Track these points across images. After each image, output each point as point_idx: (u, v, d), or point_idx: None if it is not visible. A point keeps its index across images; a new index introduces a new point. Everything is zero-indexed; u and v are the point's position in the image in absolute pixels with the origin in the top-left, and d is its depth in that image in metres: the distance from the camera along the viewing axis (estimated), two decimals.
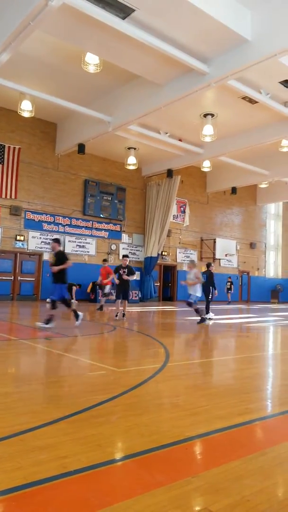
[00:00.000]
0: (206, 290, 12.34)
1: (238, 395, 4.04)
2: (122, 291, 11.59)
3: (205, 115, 14.69)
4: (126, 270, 11.58)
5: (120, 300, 11.62)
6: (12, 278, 17.73)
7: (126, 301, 11.66)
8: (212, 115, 14.65)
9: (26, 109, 14.45)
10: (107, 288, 14.67)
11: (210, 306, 12.52)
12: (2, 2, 9.90)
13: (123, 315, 11.45)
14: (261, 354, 7.05)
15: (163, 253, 22.40)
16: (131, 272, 11.61)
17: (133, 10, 9.21)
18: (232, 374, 5.26)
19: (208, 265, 12.95)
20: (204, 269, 12.87)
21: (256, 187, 26.61)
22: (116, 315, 11.45)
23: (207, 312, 12.25)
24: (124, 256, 12.10)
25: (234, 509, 1.96)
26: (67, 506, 1.92)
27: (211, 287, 12.30)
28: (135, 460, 2.46)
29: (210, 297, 12.34)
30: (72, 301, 17.59)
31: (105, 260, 15.16)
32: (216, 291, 12.40)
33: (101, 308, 14.38)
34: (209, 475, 2.29)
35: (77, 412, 3.24)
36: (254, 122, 15.65)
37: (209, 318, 12.10)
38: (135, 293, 20.38)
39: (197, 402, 3.69)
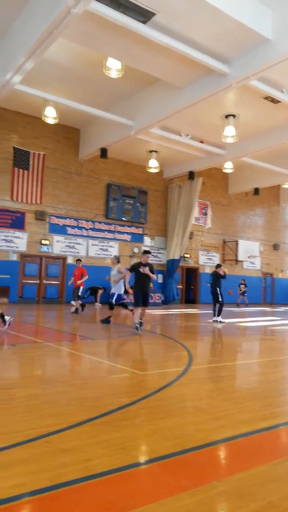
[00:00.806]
0: (213, 292, 12.29)
1: (263, 399, 3.99)
2: (142, 295, 8.95)
3: (227, 116, 14.58)
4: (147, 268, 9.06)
5: (140, 308, 9.00)
6: (38, 281, 18.02)
7: (146, 308, 9.13)
8: (234, 116, 14.53)
9: (50, 115, 14.71)
10: (81, 290, 13.68)
11: (223, 309, 12.44)
12: (26, 12, 10.13)
13: (141, 324, 8.85)
14: (286, 357, 6.93)
15: (185, 255, 22.31)
16: (152, 272, 9.11)
17: (154, 14, 9.26)
18: (257, 378, 5.19)
19: (217, 266, 12.77)
20: (227, 271, 12.79)
21: (280, 188, 26.18)
22: (138, 327, 8.68)
23: (218, 315, 12.17)
24: (145, 252, 9.15)
25: None
26: (92, 508, 1.95)
27: (217, 289, 12.16)
28: (159, 463, 2.46)
29: (220, 300, 12.17)
30: (96, 304, 17.78)
31: (79, 260, 14.34)
32: (220, 295, 12.21)
33: (76, 311, 13.16)
34: (234, 479, 2.27)
35: (101, 414, 3.27)
36: (276, 121, 15.43)
37: (220, 321, 11.98)
38: (158, 296, 20.38)
39: (221, 406, 3.67)
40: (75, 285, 13.59)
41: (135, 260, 20.71)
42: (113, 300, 10.39)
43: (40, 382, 4.55)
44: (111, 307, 10.34)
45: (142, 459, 2.61)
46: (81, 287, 13.65)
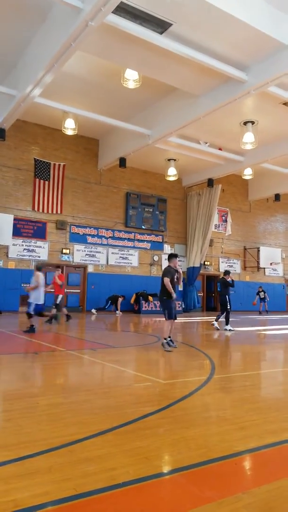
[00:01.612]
0: (222, 300, 11.99)
1: None
2: (175, 306, 8.14)
3: (245, 123, 14.52)
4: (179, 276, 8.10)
5: (171, 320, 7.88)
6: None
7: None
8: (253, 122, 14.46)
9: (69, 127, 14.96)
10: (60, 298, 12.88)
11: (230, 317, 12.12)
12: (45, 26, 10.38)
13: (171, 341, 7.80)
14: None
15: (206, 262, 22.17)
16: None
17: (170, 25, 9.35)
18: (282, 387, 5.08)
19: (225, 273, 12.37)
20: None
21: None
22: (169, 343, 7.66)
23: (227, 324, 11.85)
24: (172, 256, 7.90)
25: None
26: None
27: (226, 297, 11.83)
28: (183, 474, 2.43)
29: (228, 308, 11.85)
30: (117, 312, 17.82)
31: (58, 268, 13.74)
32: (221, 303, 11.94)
33: (51, 319, 11.87)
34: (260, 492, 2.22)
35: (124, 423, 3.25)
36: None
37: (229, 329, 11.68)
38: (178, 303, 20.28)
39: (246, 416, 3.60)
40: (56, 293, 12.89)
41: (155, 268, 20.72)
42: (30, 310, 9.58)
43: (62, 390, 4.57)
44: (29, 316, 9.63)
45: (166, 469, 2.58)
46: (61, 295, 12.87)
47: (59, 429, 3.14)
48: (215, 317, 12.37)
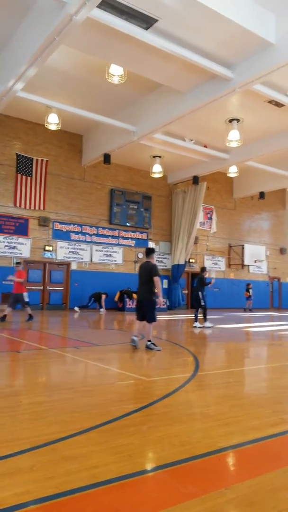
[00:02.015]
0: (196, 296, 12.02)
1: (271, 405, 3.94)
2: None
3: (231, 121, 14.60)
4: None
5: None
6: (42, 287, 18.02)
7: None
8: (238, 120, 14.54)
9: (53, 122, 14.80)
10: (26, 296, 12.03)
11: (207, 314, 12.18)
12: (28, 20, 10.21)
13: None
14: None
15: (191, 260, 22.26)
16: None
17: (156, 20, 9.31)
18: (265, 384, 5.13)
19: (202, 270, 12.54)
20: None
21: (286, 191, 26.08)
22: (155, 344, 7.26)
23: (205, 320, 11.84)
24: (152, 251, 7.63)
25: None
26: None
27: (199, 293, 11.89)
28: (166, 470, 2.42)
29: (203, 304, 11.87)
30: (101, 310, 17.75)
31: (18, 263, 12.85)
32: (201, 297, 11.92)
33: (31, 317, 11.88)
34: (243, 487, 2.23)
35: (107, 421, 3.23)
36: (281, 125, 15.42)
37: (208, 326, 11.71)
38: (163, 301, 20.30)
39: (229, 412, 3.62)
40: (15, 290, 12.00)
41: (139, 265, 20.68)
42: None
43: (45, 389, 4.52)
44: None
45: (149, 466, 2.57)
46: (25, 293, 11.99)
47: (41, 427, 3.10)
48: (193, 318, 12.23)
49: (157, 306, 7.42)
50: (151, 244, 21.35)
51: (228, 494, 2.14)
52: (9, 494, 2.07)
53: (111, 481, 2.24)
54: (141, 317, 7.36)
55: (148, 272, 7.20)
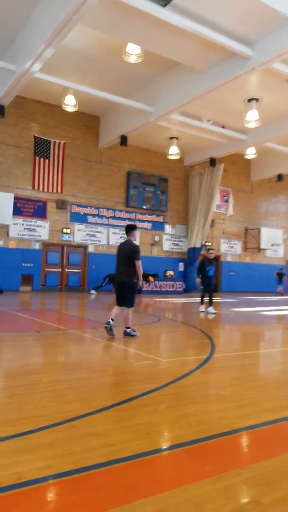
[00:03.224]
0: (210, 278, 11.13)
1: (287, 387, 3.94)
2: None
3: (249, 100, 14.24)
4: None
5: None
6: (60, 270, 18.25)
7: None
8: (257, 100, 14.18)
9: (70, 103, 14.72)
10: None
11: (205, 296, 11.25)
12: (44, 0, 10.08)
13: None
14: None
15: (207, 243, 22.14)
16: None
17: None
18: (281, 367, 5.13)
19: (209, 250, 11.52)
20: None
21: None
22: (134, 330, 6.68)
23: (211, 304, 10.92)
24: (133, 227, 6.92)
25: (285, 502, 1.92)
26: (116, 492, 1.96)
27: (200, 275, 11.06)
28: (183, 449, 2.47)
29: (200, 287, 11.24)
30: None
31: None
32: (198, 279, 11.07)
33: None
34: (258, 467, 2.26)
35: (125, 400, 3.29)
36: None
37: (213, 312, 10.74)
38: (179, 284, 20.35)
39: (245, 394, 3.64)
40: None
41: (156, 248, 20.70)
42: None
43: (64, 368, 4.62)
44: None
45: (167, 444, 2.62)
46: None
47: (61, 405, 3.18)
48: (209, 304, 11.06)
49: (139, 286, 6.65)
50: (167, 228, 21.26)
51: (244, 474, 2.17)
52: (30, 468, 2.15)
53: (128, 459, 2.29)
54: (120, 302, 6.59)
55: (129, 252, 6.51)
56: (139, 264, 6.45)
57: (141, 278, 6.57)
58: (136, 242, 6.76)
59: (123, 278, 6.54)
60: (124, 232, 7.03)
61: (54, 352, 5.54)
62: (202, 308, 11.28)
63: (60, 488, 2.01)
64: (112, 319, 6.37)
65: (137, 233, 7.12)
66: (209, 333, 7.38)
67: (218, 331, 8.22)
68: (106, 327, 6.35)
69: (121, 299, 6.60)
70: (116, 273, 6.76)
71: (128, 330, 6.50)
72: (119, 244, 6.93)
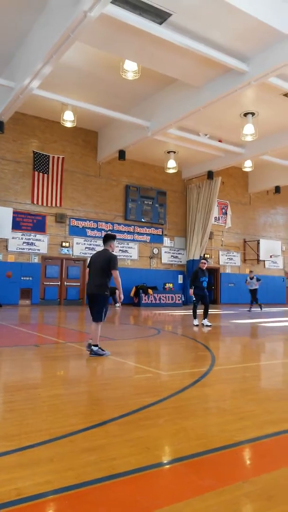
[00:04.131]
0: (207, 290, 10.81)
1: None
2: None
3: (245, 114, 14.45)
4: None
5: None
6: (59, 283, 18.23)
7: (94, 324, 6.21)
8: (253, 113, 14.38)
9: (68, 119, 14.89)
10: None
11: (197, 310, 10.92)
12: (43, 18, 10.28)
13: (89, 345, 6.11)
14: None
15: (206, 255, 22.17)
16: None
17: (170, 15, 9.26)
18: (281, 379, 5.10)
19: (200, 260, 11.07)
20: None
21: None
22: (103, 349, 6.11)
23: (206, 317, 10.53)
24: (111, 237, 6.35)
25: None
26: (117, 507, 1.95)
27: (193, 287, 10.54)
28: (184, 463, 2.45)
29: (193, 299, 10.72)
30: (116, 305, 17.85)
31: None
32: (191, 290, 10.57)
33: None
34: (260, 481, 2.24)
35: (125, 414, 3.27)
36: None
37: (208, 325, 10.42)
38: (178, 296, 20.31)
39: (245, 407, 3.62)
40: None
41: (155, 261, 20.72)
42: None
43: (63, 382, 4.59)
44: None
45: (167, 458, 2.60)
46: None
47: (60, 420, 3.16)
48: (204, 316, 10.72)
49: (118, 302, 6.05)
50: (166, 241, 21.32)
51: (246, 487, 2.15)
52: (30, 484, 2.13)
53: (129, 473, 2.27)
54: (91, 315, 6.17)
55: (104, 262, 5.97)
56: (116, 274, 5.92)
57: (120, 289, 6.00)
58: (114, 253, 6.28)
59: (94, 289, 6.02)
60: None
61: (53, 366, 5.51)
62: (196, 322, 10.71)
63: (59, 504, 1.99)
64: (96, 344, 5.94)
65: (115, 243, 6.65)
66: (209, 346, 7.35)
67: (218, 344, 8.19)
68: (88, 350, 5.99)
69: (91, 313, 6.12)
70: (87, 284, 6.21)
71: (95, 348, 5.86)
72: (93, 254, 6.43)
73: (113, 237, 6.33)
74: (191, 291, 10.70)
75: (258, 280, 17.41)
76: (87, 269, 6.34)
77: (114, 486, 2.14)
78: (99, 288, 5.97)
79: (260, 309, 17.62)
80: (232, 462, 2.52)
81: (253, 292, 17.56)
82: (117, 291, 6.13)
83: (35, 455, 2.49)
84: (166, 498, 2.05)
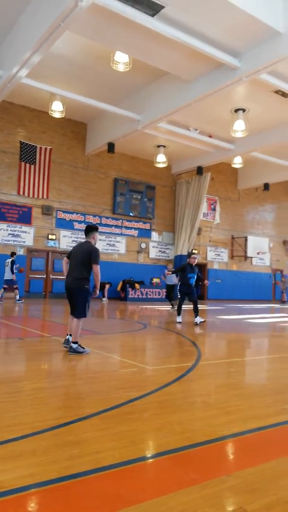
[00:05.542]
0: (195, 286, 10.37)
1: (273, 395, 3.95)
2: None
3: (236, 110, 14.44)
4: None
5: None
6: (45, 276, 18.07)
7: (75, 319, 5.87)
8: (244, 110, 14.38)
9: (57, 109, 14.69)
10: None
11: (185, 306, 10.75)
12: (33, 5, 10.08)
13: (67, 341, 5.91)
14: None
15: (194, 251, 22.22)
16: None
17: (162, 7, 9.16)
18: (267, 374, 5.15)
19: (189, 255, 10.76)
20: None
21: None
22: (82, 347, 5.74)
23: (197, 314, 10.03)
24: (94, 229, 6.11)
25: (270, 510, 1.91)
26: (100, 500, 1.93)
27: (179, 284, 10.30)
28: (168, 457, 2.44)
29: (178, 296, 10.39)
30: (104, 299, 17.80)
31: None
32: (167, 272, 10.50)
33: None
34: (244, 474, 2.24)
35: (110, 408, 3.25)
36: (287, 115, 15.26)
37: (200, 322, 9.93)
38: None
39: (230, 401, 3.63)
40: None
41: (142, 255, 20.69)
42: None
43: (47, 375, 4.55)
44: None
45: (151, 452, 2.59)
46: None
47: (43, 413, 3.12)
48: (195, 314, 10.13)
49: (94, 295, 5.86)
50: (154, 235, 21.29)
51: (230, 481, 2.16)
52: (12, 477, 2.09)
53: (113, 467, 2.25)
54: (71, 311, 5.86)
55: (84, 254, 5.71)
56: (97, 269, 5.61)
57: (98, 285, 5.69)
58: (97, 245, 6.01)
59: (72, 283, 5.72)
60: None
61: (38, 359, 5.46)
62: (179, 319, 10.27)
63: (43, 497, 1.96)
64: (70, 335, 5.71)
65: (98, 236, 6.33)
66: (195, 341, 7.37)
67: (204, 339, 8.22)
68: (65, 347, 5.80)
69: (71, 308, 5.82)
70: (66, 277, 5.90)
71: (75, 346, 5.53)
72: (74, 245, 6.12)
73: (95, 229, 6.07)
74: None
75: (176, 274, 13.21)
76: (64, 259, 6.08)
77: (98, 480, 2.12)
78: (78, 282, 5.68)
79: (172, 307, 14.76)
80: (216, 456, 2.53)
81: (171, 288, 14.96)
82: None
83: (17, 448, 2.46)
84: (150, 492, 2.04)
